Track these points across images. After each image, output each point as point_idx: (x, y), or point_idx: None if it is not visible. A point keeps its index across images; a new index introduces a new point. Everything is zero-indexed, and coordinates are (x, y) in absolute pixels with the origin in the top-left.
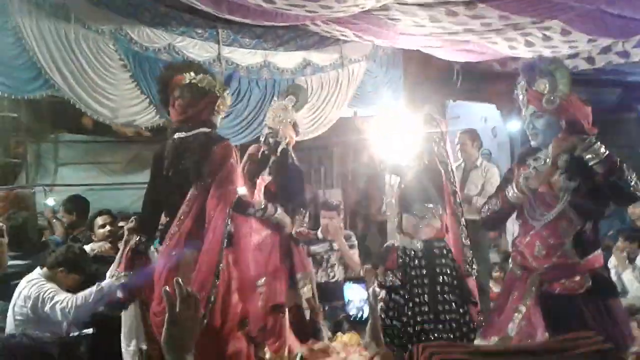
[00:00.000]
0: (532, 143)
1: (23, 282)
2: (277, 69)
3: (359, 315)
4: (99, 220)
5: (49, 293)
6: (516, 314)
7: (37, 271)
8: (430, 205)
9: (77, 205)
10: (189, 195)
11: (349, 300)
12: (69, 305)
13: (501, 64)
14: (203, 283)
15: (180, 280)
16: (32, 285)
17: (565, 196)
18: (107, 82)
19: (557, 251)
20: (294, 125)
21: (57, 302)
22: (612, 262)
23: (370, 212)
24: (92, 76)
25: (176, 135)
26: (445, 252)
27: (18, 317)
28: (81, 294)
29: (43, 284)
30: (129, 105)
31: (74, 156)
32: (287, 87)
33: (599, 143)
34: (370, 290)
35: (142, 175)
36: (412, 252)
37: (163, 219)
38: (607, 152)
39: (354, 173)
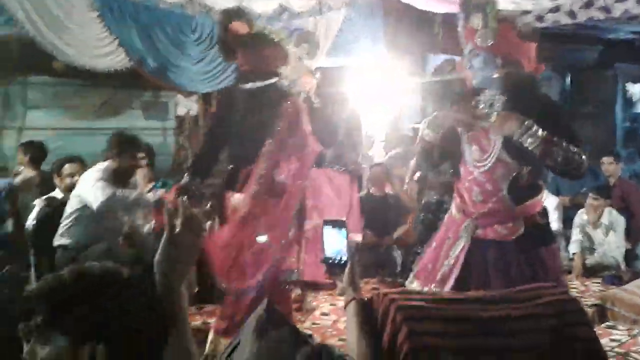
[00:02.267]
0: (472, 83)
1: None
2: (252, 14)
3: (337, 259)
4: (67, 169)
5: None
6: (447, 261)
7: None
8: None
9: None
10: (265, 150)
11: (327, 243)
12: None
13: None
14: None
15: (185, 200)
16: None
17: (498, 143)
18: (73, 22)
19: (493, 197)
20: (312, 72)
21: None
22: (584, 218)
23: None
24: (57, 14)
25: (248, 85)
26: None
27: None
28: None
29: None
30: (97, 47)
31: (44, 99)
32: (298, 36)
33: (535, 127)
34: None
35: (115, 120)
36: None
37: (223, 165)
38: (545, 134)
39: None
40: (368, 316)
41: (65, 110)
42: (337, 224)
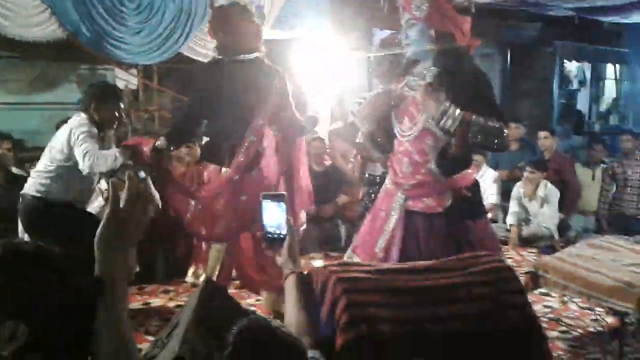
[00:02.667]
0: (407, 54)
1: None
2: None
3: (277, 233)
4: None
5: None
6: (382, 235)
7: None
8: None
9: None
10: (255, 124)
11: (266, 217)
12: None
13: None
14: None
15: (132, 174)
16: None
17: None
18: None
19: (422, 168)
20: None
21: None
22: (521, 191)
23: None
24: None
25: (236, 57)
26: None
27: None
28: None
29: None
30: (29, 16)
31: None
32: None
33: (452, 107)
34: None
35: (47, 95)
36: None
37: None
38: (462, 115)
39: None
40: (307, 289)
41: None
42: (276, 197)
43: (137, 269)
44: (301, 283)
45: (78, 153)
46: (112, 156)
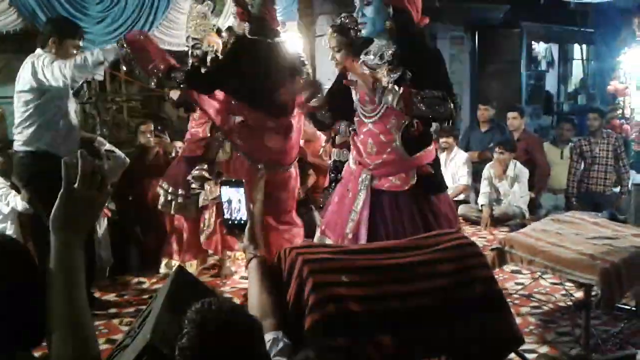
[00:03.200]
0: (362, 33)
1: None
2: None
3: (237, 219)
4: None
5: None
6: (351, 215)
7: None
8: None
9: None
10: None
11: (227, 202)
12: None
13: None
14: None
15: (85, 153)
16: None
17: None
18: None
19: (387, 148)
20: (218, 31)
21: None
22: (491, 171)
23: None
24: None
25: (275, 39)
26: None
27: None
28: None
29: None
30: None
31: None
32: None
33: (390, 85)
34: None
35: (11, 88)
36: (340, 164)
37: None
38: (401, 89)
39: None
40: (268, 272)
41: None
42: (235, 184)
43: (112, 261)
44: (262, 266)
45: (50, 73)
46: (94, 54)
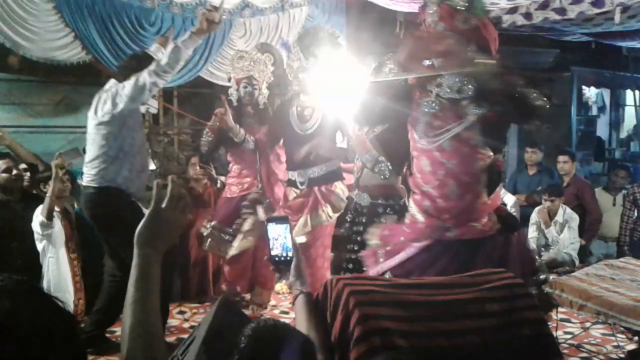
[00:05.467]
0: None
1: None
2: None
3: (283, 256)
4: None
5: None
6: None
7: None
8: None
9: None
10: None
11: (272, 240)
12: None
13: None
14: None
15: (175, 178)
16: None
17: (470, 118)
18: (27, 12)
19: (470, 190)
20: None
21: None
22: (535, 218)
23: None
24: (11, 5)
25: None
26: (390, 212)
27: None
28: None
29: None
30: (52, 39)
31: None
32: (261, 44)
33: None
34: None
35: (70, 119)
36: (360, 207)
37: None
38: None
39: None
40: (316, 308)
41: (21, 107)
42: (281, 220)
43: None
44: (309, 302)
45: (134, 82)
46: (169, 52)
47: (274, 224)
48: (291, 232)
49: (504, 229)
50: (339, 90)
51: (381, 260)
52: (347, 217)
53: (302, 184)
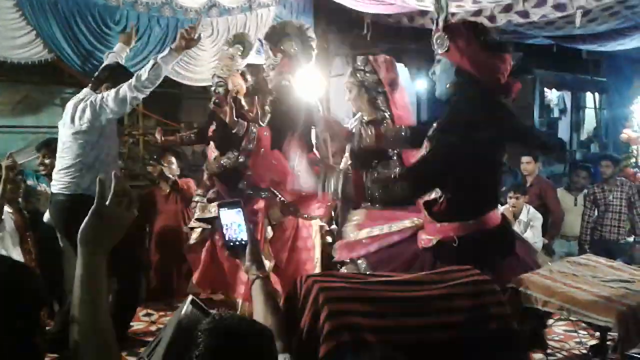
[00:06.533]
0: (436, 93)
1: None
2: (181, 8)
3: (238, 240)
4: None
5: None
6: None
7: None
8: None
9: None
10: None
11: (225, 225)
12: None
13: (409, 19)
14: None
15: (118, 174)
16: None
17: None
18: None
19: None
20: (243, 74)
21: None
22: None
23: None
24: None
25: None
26: None
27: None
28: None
29: None
30: (14, 37)
31: None
32: (233, 36)
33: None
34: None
35: (34, 118)
36: None
37: None
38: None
39: None
40: (272, 293)
41: None
42: (233, 204)
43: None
44: (266, 287)
45: (114, 95)
46: (152, 66)
47: (225, 209)
48: (245, 215)
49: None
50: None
51: (357, 249)
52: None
53: None
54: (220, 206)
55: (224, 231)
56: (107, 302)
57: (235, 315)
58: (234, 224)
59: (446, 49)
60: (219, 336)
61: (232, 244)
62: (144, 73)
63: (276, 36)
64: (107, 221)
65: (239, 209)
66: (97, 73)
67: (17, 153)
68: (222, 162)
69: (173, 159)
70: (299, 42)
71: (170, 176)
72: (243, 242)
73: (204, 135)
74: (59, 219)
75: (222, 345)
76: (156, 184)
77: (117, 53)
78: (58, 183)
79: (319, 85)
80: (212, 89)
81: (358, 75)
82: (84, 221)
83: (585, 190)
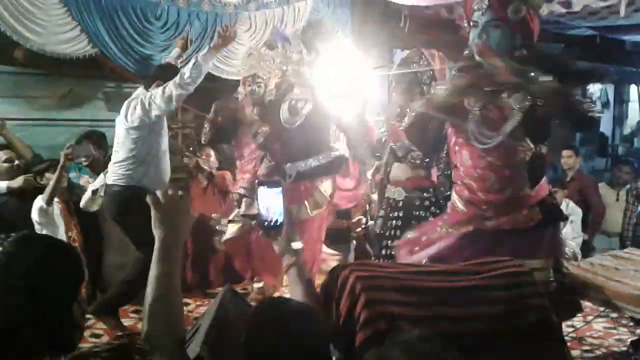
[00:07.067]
0: (477, 56)
1: None
2: (220, 2)
3: (274, 221)
4: (1, 155)
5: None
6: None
7: None
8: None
9: None
10: None
11: (262, 204)
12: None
13: (448, 10)
14: None
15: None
16: None
17: (516, 117)
18: (34, 5)
19: (512, 183)
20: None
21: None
22: None
23: None
24: None
25: None
26: (427, 203)
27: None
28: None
29: None
30: (59, 33)
31: (4, 89)
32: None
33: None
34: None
35: (76, 112)
36: (394, 202)
37: None
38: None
39: None
40: (310, 280)
41: (26, 100)
42: (273, 184)
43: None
44: (303, 275)
45: (161, 93)
46: (193, 66)
47: (265, 187)
48: (284, 197)
49: (547, 219)
50: (342, 86)
51: (416, 249)
52: (379, 213)
53: (290, 177)
54: (259, 184)
55: (261, 210)
56: (179, 281)
57: (281, 298)
58: (271, 203)
59: (522, 15)
60: (267, 321)
61: (266, 223)
62: (186, 71)
63: (311, 33)
64: (166, 211)
65: (279, 189)
66: (150, 72)
67: (75, 146)
68: None
69: (212, 152)
70: (333, 43)
71: (207, 168)
72: (278, 224)
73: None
74: (113, 208)
75: (272, 328)
76: (194, 176)
77: (174, 58)
78: (113, 175)
79: (359, 78)
80: (251, 88)
81: (412, 67)
82: (156, 224)
83: (628, 186)
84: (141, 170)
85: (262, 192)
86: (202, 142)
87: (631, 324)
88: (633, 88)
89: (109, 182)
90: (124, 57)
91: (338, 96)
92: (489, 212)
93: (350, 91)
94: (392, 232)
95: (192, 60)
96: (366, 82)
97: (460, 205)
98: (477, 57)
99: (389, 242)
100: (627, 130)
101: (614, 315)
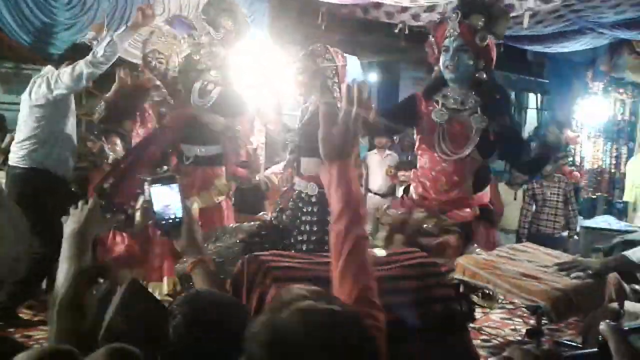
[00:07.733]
0: (447, 76)
1: None
2: None
3: (172, 218)
4: None
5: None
6: None
7: None
8: None
9: None
10: None
11: (157, 202)
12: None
13: (363, 11)
14: None
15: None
16: None
17: (476, 135)
18: None
19: (458, 187)
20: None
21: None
22: None
23: None
24: None
25: None
26: None
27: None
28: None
29: None
30: None
31: None
32: (172, 17)
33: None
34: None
35: None
36: (307, 196)
37: None
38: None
39: None
40: (216, 276)
41: None
42: (167, 180)
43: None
44: (210, 274)
45: (70, 70)
46: (104, 45)
47: (159, 185)
48: (181, 193)
49: (482, 219)
50: (257, 77)
51: None
52: (289, 206)
53: (187, 159)
54: (152, 182)
55: (157, 209)
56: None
57: (211, 290)
58: (169, 201)
59: (486, 42)
60: (198, 307)
61: (164, 222)
62: (100, 50)
63: (213, 11)
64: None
65: (175, 184)
66: (62, 52)
67: None
68: None
69: (118, 140)
70: (238, 17)
71: (112, 154)
72: (177, 221)
73: None
74: (15, 190)
75: (201, 316)
76: (97, 167)
77: (88, 40)
78: (15, 155)
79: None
80: (153, 64)
81: (318, 60)
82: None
83: (525, 186)
84: (43, 151)
85: (157, 190)
86: (95, 122)
87: (525, 314)
88: (532, 96)
89: (11, 163)
90: (23, 34)
91: (253, 86)
92: (436, 207)
93: (265, 83)
94: (306, 227)
95: (107, 39)
96: (282, 77)
97: (415, 197)
98: (446, 76)
99: (305, 236)
100: (525, 135)
101: (510, 306)
